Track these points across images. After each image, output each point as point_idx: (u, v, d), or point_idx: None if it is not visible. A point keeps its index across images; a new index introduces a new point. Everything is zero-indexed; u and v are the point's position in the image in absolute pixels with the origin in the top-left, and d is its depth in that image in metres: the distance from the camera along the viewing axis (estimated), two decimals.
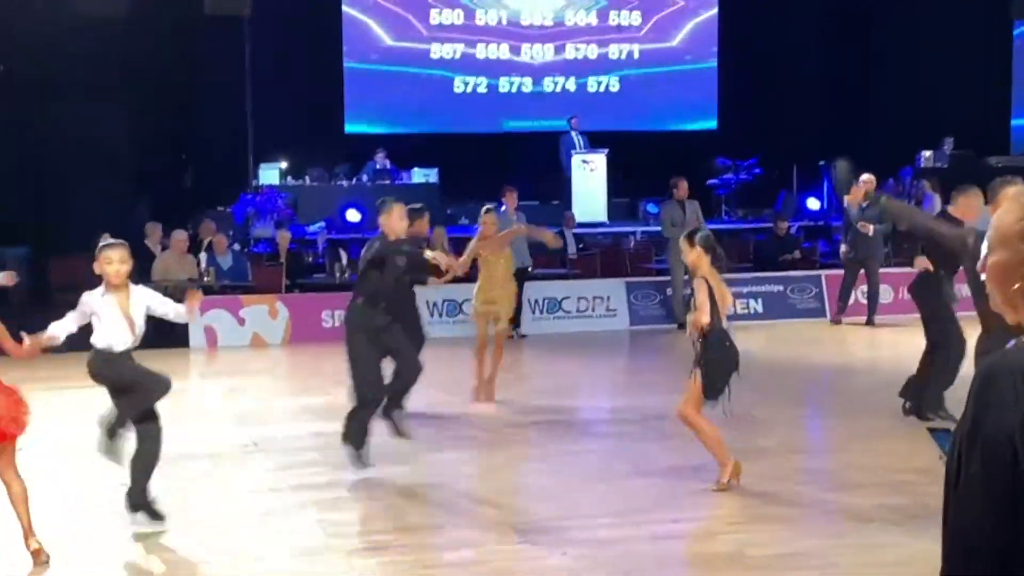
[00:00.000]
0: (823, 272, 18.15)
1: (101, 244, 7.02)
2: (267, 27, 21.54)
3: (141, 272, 16.74)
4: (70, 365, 9.10)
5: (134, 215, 19.86)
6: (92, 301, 6.93)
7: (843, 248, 16.86)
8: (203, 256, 17.31)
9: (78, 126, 19.68)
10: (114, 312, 6.90)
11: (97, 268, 6.96)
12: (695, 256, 7.70)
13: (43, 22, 19.69)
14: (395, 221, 8.40)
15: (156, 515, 7.07)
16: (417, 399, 11.82)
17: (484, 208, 11.93)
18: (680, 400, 7.86)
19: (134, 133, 20.62)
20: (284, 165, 22.28)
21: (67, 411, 10.52)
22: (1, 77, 21.45)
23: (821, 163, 22.67)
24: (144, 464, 7.06)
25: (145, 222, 18.36)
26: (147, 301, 7.11)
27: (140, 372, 7.03)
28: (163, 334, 16.32)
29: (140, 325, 7.01)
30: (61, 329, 6.93)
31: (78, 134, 19.65)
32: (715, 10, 24.62)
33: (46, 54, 20.08)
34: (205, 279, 16.56)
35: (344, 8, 23.26)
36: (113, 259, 6.90)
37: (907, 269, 12.33)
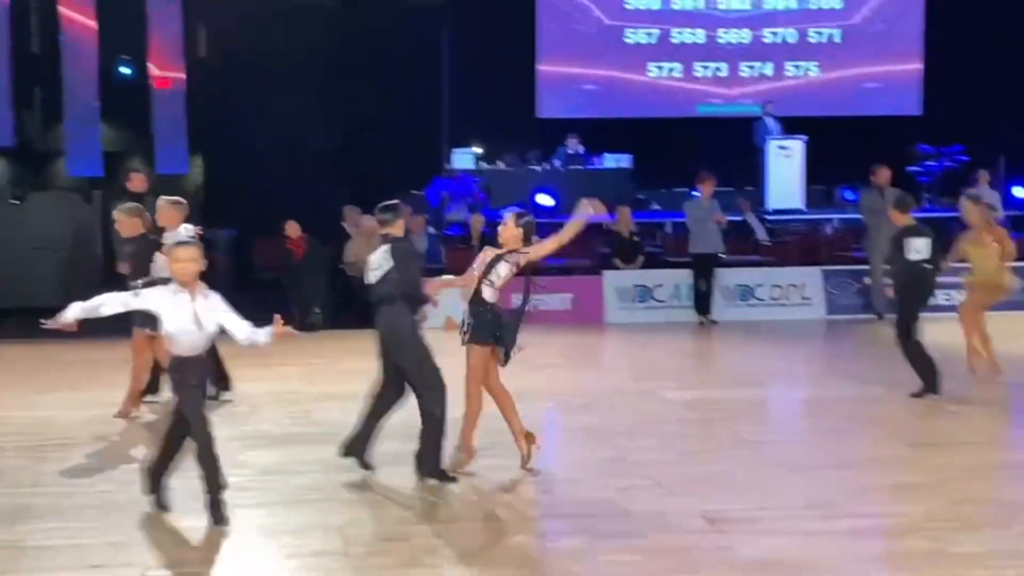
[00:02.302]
0: None
1: (174, 242, 6.95)
2: (464, 15, 21.79)
3: (337, 255, 17.23)
4: None
5: (334, 198, 20.33)
6: (158, 296, 6.81)
7: None
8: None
9: (282, 113, 20.25)
10: (183, 310, 6.75)
11: (168, 266, 6.90)
12: None
13: (250, 12, 20.29)
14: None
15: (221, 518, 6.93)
16: (607, 384, 11.88)
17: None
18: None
19: (335, 119, 21.11)
20: (478, 150, 22.50)
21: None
22: (211, 66, 22.21)
23: None
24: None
25: (344, 205, 18.77)
26: (218, 310, 6.84)
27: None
28: (363, 317, 16.82)
29: (209, 327, 6.80)
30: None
31: (282, 120, 20.21)
32: None
33: (253, 43, 20.69)
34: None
35: None
36: (181, 257, 6.75)
37: None
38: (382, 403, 7.99)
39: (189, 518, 6.91)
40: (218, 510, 6.81)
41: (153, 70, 20.89)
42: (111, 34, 20.55)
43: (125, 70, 22.73)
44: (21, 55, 21.02)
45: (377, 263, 7.89)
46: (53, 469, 8.38)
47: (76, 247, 18.32)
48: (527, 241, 8.24)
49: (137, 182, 15.63)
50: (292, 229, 16.70)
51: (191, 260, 6.71)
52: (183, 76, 20.79)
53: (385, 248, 7.92)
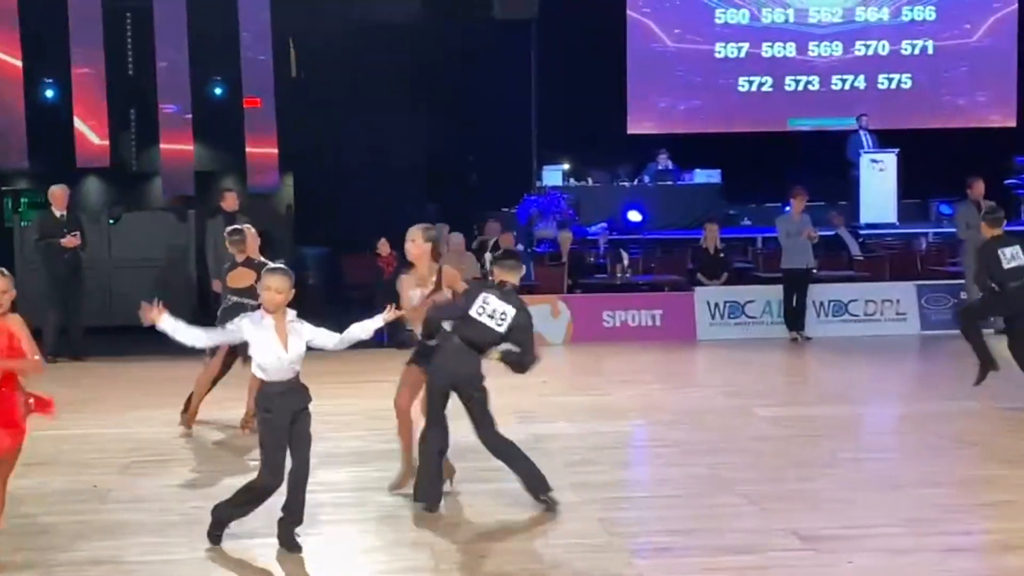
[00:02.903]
0: None
1: (265, 268, 6.90)
2: (553, 30, 21.81)
3: None
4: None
5: (422, 216, 20.42)
6: (247, 327, 6.74)
7: None
8: (488, 256, 17.64)
9: (371, 130, 20.42)
10: (268, 338, 6.68)
11: (260, 292, 6.81)
12: None
13: (337, 30, 20.50)
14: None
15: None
16: (698, 401, 11.78)
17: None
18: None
19: (423, 136, 21.25)
20: (567, 166, 22.50)
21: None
22: (300, 84, 22.46)
23: None
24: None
25: (433, 222, 18.84)
26: (303, 332, 6.76)
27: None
28: None
29: (292, 357, 6.69)
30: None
31: (371, 138, 20.39)
32: (1015, 4, 23.48)
33: (341, 61, 20.90)
34: (489, 278, 16.85)
35: (628, 11, 23.31)
36: (271, 286, 6.68)
37: None
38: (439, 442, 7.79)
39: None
40: (292, 539, 6.77)
41: (243, 89, 21.18)
42: (202, 54, 20.88)
43: (217, 90, 23.08)
44: (117, 77, 21.43)
45: (502, 311, 7.66)
46: (148, 485, 8.49)
47: (170, 266, 18.61)
48: (436, 256, 8.03)
49: (230, 201, 15.86)
50: (383, 246, 16.81)
51: (279, 292, 6.66)
52: (273, 95, 21.05)
53: (510, 298, 7.75)
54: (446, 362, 7.60)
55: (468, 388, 7.61)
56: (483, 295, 7.67)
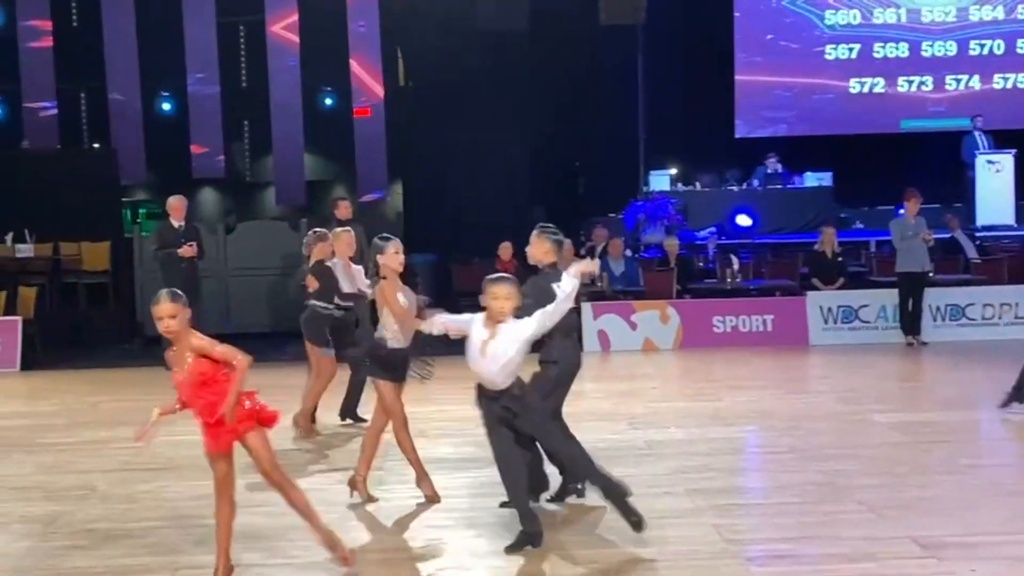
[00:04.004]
0: None
1: (488, 277, 6.89)
2: (660, 35, 21.75)
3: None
4: None
5: (529, 222, 20.46)
6: (474, 325, 6.81)
7: None
8: (596, 262, 17.62)
9: (478, 137, 20.53)
10: (483, 343, 6.72)
11: (482, 300, 6.81)
12: None
13: (445, 39, 20.66)
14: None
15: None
16: (813, 406, 11.65)
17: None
18: None
19: (530, 142, 21.31)
20: (674, 171, 22.41)
21: None
22: (408, 93, 22.69)
23: None
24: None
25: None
26: (522, 334, 6.73)
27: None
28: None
29: (500, 363, 6.69)
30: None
31: (478, 145, 20.50)
32: None
33: (448, 69, 21.06)
34: (598, 284, 16.89)
35: (736, 13, 23.15)
36: (498, 295, 6.71)
37: None
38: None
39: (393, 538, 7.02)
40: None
41: (353, 99, 21.47)
42: (313, 65, 21.22)
43: (327, 100, 23.41)
44: (231, 89, 21.86)
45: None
46: (267, 488, 8.60)
47: (284, 274, 18.89)
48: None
49: (344, 209, 16.05)
50: (505, 251, 16.89)
51: (505, 298, 6.70)
52: (382, 104, 21.30)
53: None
54: (576, 355, 7.78)
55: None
56: (555, 285, 7.65)
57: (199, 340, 6.11)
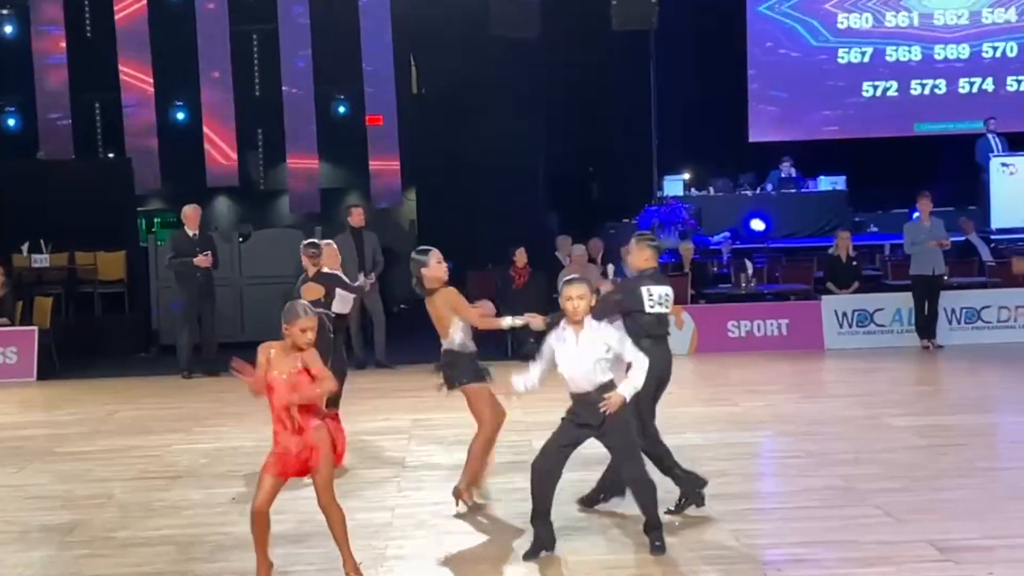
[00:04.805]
0: None
1: (564, 279, 6.97)
2: (673, 40, 21.75)
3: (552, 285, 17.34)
4: None
5: (545, 228, 20.50)
6: (552, 340, 6.92)
7: None
8: (611, 267, 17.66)
9: (492, 144, 20.55)
10: (569, 349, 6.84)
11: (562, 303, 6.89)
12: None
13: (459, 46, 20.70)
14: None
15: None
16: (830, 410, 11.63)
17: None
18: None
19: (544, 148, 21.34)
20: (688, 176, 22.40)
21: None
22: (420, 100, 22.73)
23: None
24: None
25: (555, 235, 18.90)
26: (604, 339, 6.86)
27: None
28: None
29: (587, 366, 6.80)
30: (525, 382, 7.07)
31: (491, 152, 20.52)
32: None
33: (461, 76, 21.09)
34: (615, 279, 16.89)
35: (749, 18, 23.15)
36: (572, 295, 6.81)
37: None
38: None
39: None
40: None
41: (366, 107, 21.52)
42: (326, 74, 21.27)
43: (340, 108, 23.46)
44: (245, 99, 21.93)
45: (665, 293, 7.80)
46: (285, 496, 8.61)
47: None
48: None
49: (357, 217, 16.10)
50: (520, 257, 16.91)
51: (579, 297, 6.78)
52: (395, 111, 21.34)
53: (661, 280, 7.91)
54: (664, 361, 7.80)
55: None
56: (644, 289, 7.71)
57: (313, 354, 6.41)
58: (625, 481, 7.23)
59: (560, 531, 7.06)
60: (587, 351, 6.79)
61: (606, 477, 7.89)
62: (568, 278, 6.97)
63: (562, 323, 6.90)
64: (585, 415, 6.85)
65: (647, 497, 6.91)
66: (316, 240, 11.25)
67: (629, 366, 6.92)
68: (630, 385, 6.86)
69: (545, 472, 6.88)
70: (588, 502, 7.97)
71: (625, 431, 6.92)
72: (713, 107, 22.42)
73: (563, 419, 6.97)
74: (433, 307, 8.04)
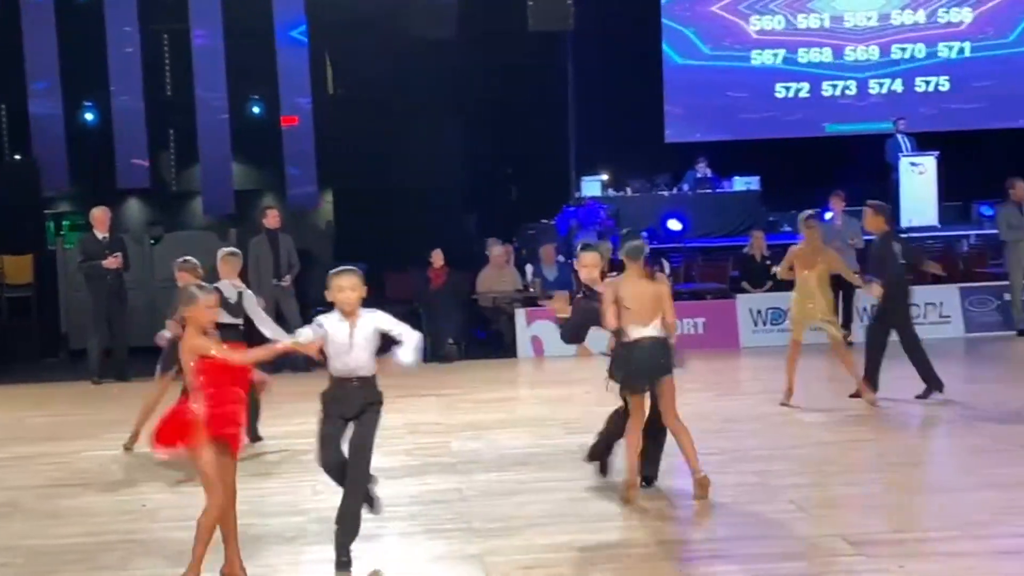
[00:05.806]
0: None
1: (332, 271, 6.84)
2: (588, 41, 21.81)
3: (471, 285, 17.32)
4: None
5: (463, 229, 20.46)
6: (327, 324, 6.72)
7: None
8: (529, 268, 17.68)
9: (409, 145, 20.47)
10: (342, 338, 6.68)
11: (329, 296, 6.76)
12: None
13: (377, 46, 20.57)
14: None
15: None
16: (744, 408, 11.72)
17: (805, 215, 12.21)
18: None
19: (462, 149, 21.29)
20: (605, 177, 22.47)
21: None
22: (337, 102, 22.58)
23: None
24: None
25: (473, 236, 18.88)
26: (376, 325, 6.77)
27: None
28: (493, 345, 16.93)
29: (362, 352, 6.69)
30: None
31: (409, 153, 20.43)
32: None
33: (378, 76, 20.97)
34: (531, 290, 16.92)
35: (664, 19, 23.29)
36: (344, 286, 6.71)
37: None
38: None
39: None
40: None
41: (281, 107, 21.33)
42: (240, 74, 21.04)
43: (254, 108, 23.24)
44: (155, 98, 21.62)
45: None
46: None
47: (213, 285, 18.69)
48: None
49: (272, 219, 15.95)
50: (436, 258, 16.86)
51: (352, 289, 6.70)
52: (311, 112, 21.17)
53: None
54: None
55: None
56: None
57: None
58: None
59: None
60: (360, 341, 6.67)
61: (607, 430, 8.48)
62: (339, 269, 6.81)
63: (336, 314, 6.73)
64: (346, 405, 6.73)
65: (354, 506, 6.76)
66: (190, 257, 10.98)
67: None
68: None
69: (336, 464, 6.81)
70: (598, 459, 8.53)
71: (372, 428, 6.77)
72: (630, 108, 22.50)
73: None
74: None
